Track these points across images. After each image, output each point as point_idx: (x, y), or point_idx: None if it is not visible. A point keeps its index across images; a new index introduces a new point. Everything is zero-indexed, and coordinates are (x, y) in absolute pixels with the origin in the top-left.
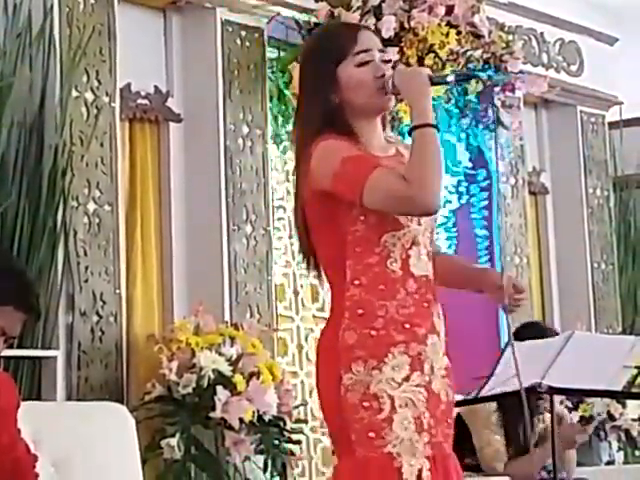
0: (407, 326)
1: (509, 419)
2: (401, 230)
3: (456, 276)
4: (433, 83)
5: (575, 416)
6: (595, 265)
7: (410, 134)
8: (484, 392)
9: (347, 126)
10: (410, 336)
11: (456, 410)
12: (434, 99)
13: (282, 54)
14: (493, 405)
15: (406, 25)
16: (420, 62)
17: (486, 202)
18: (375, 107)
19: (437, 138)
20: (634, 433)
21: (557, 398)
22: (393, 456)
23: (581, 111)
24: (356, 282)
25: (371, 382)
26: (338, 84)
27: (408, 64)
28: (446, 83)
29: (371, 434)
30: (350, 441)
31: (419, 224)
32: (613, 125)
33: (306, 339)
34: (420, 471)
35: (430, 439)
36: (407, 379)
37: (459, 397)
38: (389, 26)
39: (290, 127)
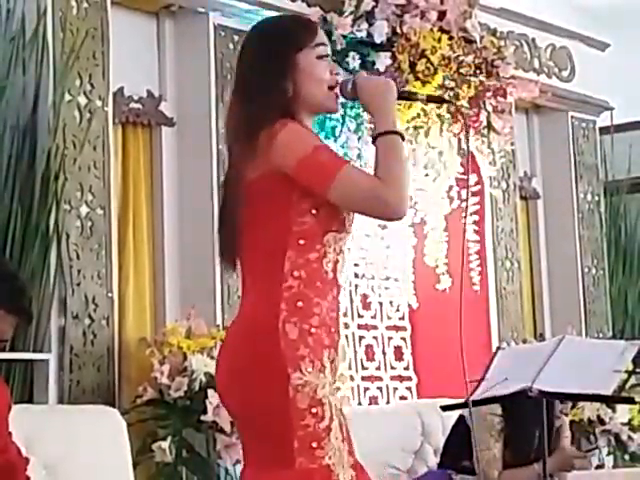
0: (332, 330)
1: (512, 426)
2: (342, 233)
3: None
4: (400, 97)
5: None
6: (586, 270)
7: (375, 140)
8: (475, 396)
9: (297, 117)
10: (332, 342)
11: (459, 412)
12: (425, 103)
13: None
14: (497, 410)
15: (398, 30)
16: (412, 67)
17: (477, 207)
18: (325, 105)
19: (403, 147)
20: (624, 437)
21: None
22: (331, 468)
23: (572, 116)
24: (295, 274)
25: (318, 386)
26: (296, 71)
27: (400, 69)
28: (415, 100)
29: (314, 444)
30: (291, 448)
31: (348, 232)
32: (604, 130)
33: None
34: None
35: (349, 448)
36: (333, 385)
37: (452, 401)
38: (381, 31)
39: None
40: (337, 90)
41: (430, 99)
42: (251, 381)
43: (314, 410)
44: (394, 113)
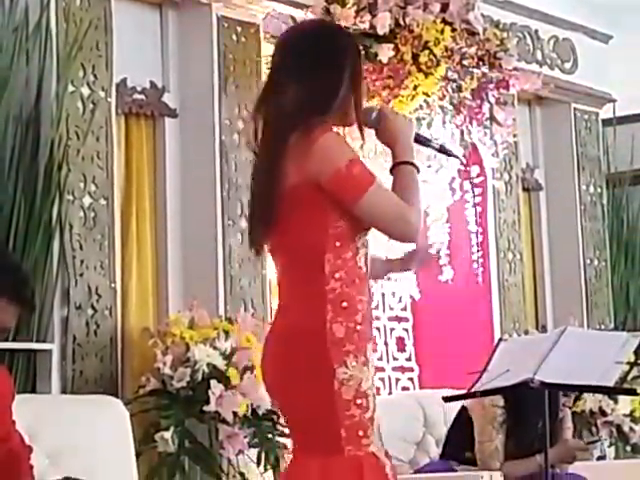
0: (373, 324)
1: (515, 418)
2: (368, 232)
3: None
4: (416, 140)
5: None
6: (588, 261)
7: (394, 168)
8: (477, 387)
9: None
10: (371, 334)
11: (462, 403)
12: (428, 95)
13: None
14: (500, 402)
15: (401, 22)
16: (415, 59)
17: (479, 199)
18: (349, 120)
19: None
20: (625, 429)
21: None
22: (376, 455)
23: (575, 108)
24: (336, 275)
25: (362, 379)
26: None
27: (403, 60)
28: (428, 145)
29: (360, 432)
30: (339, 437)
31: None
32: (606, 122)
33: None
34: (393, 471)
35: (380, 438)
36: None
37: (454, 392)
38: (384, 23)
39: None
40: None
41: (441, 150)
42: (300, 381)
43: (359, 401)
44: (413, 149)
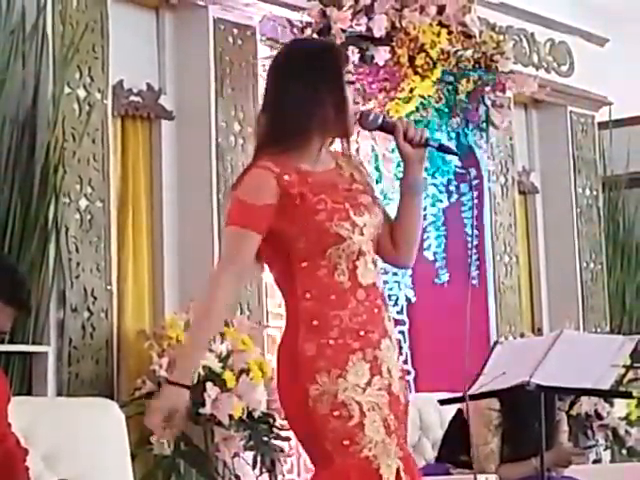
0: (362, 333)
1: (510, 421)
2: (344, 243)
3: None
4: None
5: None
6: (584, 264)
7: (405, 187)
8: (473, 390)
9: (309, 139)
10: (365, 343)
11: (457, 406)
12: (424, 98)
13: (274, 52)
14: (496, 405)
15: (397, 24)
16: (411, 61)
17: (476, 201)
18: (346, 129)
19: None
20: (621, 432)
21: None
22: (370, 459)
23: (571, 111)
24: (307, 295)
25: (337, 391)
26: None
27: (399, 63)
28: (427, 145)
29: (345, 442)
30: (326, 451)
31: (361, 234)
32: (603, 125)
33: None
34: (398, 471)
35: (398, 441)
36: (369, 384)
37: (450, 395)
38: (380, 25)
39: None
40: (357, 116)
41: (440, 149)
42: (283, 399)
43: (336, 413)
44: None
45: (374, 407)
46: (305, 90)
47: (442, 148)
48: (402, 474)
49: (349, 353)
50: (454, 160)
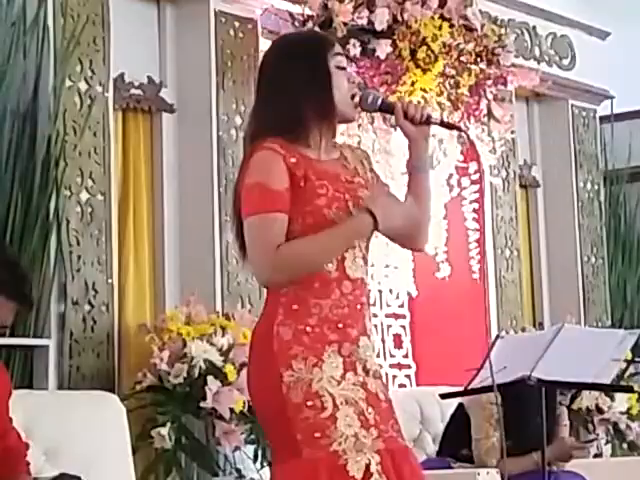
0: (340, 326)
1: (511, 415)
2: None
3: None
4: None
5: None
6: (585, 259)
7: (410, 167)
8: (474, 384)
9: (307, 128)
10: (343, 336)
11: (459, 400)
12: (425, 91)
13: None
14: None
15: (399, 18)
16: (413, 55)
17: (477, 195)
18: (345, 113)
19: None
20: (622, 426)
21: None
22: (339, 454)
23: (572, 105)
24: None
25: (312, 380)
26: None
27: (401, 56)
28: (428, 123)
29: (317, 434)
30: (295, 441)
31: None
32: (604, 119)
33: None
34: (368, 466)
35: (380, 434)
36: (343, 377)
37: (451, 389)
38: (382, 18)
39: None
40: (357, 99)
41: (443, 124)
42: (255, 383)
43: (310, 403)
44: None
45: (348, 401)
46: (293, 80)
47: (444, 124)
48: (373, 468)
49: (325, 344)
50: (456, 151)
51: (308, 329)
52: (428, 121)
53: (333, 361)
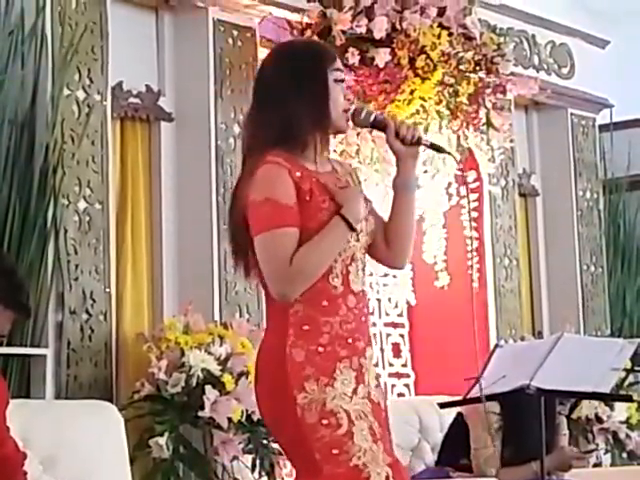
0: (350, 341)
1: (511, 424)
2: (346, 248)
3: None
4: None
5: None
6: (584, 267)
7: (396, 185)
8: (473, 393)
9: (304, 139)
10: (352, 351)
11: (457, 409)
12: (424, 100)
13: None
14: (496, 408)
15: (398, 26)
16: (412, 63)
17: (476, 204)
18: (338, 127)
19: None
20: (621, 435)
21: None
22: (360, 468)
23: (572, 113)
24: (299, 298)
25: (326, 399)
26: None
27: (399, 65)
28: (419, 144)
29: (335, 451)
30: (314, 460)
31: (357, 240)
32: (603, 128)
33: None
34: (387, 478)
35: (384, 447)
36: (355, 392)
37: (450, 398)
38: (381, 27)
39: None
40: (349, 114)
41: (432, 147)
42: (267, 405)
43: (325, 422)
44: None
45: (361, 415)
46: (292, 91)
47: (434, 147)
48: None
49: (337, 361)
50: (453, 160)
51: (320, 349)
52: (419, 142)
53: (345, 377)
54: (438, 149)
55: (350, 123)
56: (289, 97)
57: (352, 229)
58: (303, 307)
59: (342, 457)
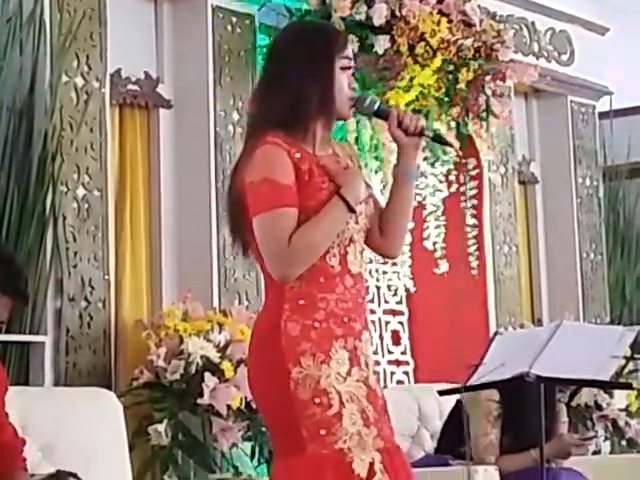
0: (345, 320)
1: (510, 412)
2: (345, 228)
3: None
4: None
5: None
6: (584, 255)
7: (396, 174)
8: (473, 380)
9: (307, 124)
10: (348, 331)
11: (457, 397)
12: (424, 87)
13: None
14: (495, 396)
15: (397, 13)
16: (411, 50)
17: (475, 191)
18: (341, 113)
19: None
20: (621, 423)
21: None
22: (344, 452)
23: (571, 101)
24: None
25: (321, 377)
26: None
27: (399, 52)
28: (421, 135)
29: (322, 431)
30: (301, 437)
31: (356, 223)
32: (603, 115)
33: None
34: (371, 464)
35: (379, 432)
36: (349, 374)
37: (449, 386)
38: (380, 14)
39: None
40: (352, 102)
41: (435, 139)
42: (259, 378)
43: (317, 400)
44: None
45: (352, 398)
46: (297, 74)
47: (436, 138)
48: (376, 466)
49: (332, 339)
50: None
51: (316, 324)
52: (421, 133)
53: (340, 357)
54: (441, 141)
55: (352, 109)
56: (298, 80)
57: (351, 210)
58: (300, 283)
59: (329, 439)
